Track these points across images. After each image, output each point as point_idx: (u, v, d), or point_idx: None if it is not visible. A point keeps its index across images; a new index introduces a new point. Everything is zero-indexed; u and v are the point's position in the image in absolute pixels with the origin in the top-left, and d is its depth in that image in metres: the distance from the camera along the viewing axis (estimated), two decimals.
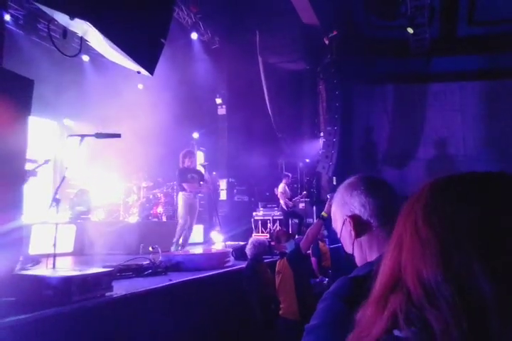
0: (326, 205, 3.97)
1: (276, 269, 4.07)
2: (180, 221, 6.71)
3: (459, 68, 10.97)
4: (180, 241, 6.57)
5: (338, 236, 1.22)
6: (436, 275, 0.54)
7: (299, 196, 9.48)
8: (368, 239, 1.15)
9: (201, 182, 6.87)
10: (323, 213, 3.92)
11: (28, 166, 5.08)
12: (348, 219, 1.16)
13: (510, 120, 10.78)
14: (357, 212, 1.15)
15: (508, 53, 10.45)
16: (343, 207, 1.19)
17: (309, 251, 6.33)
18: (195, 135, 10.82)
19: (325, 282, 4.96)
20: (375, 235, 1.14)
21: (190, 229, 6.77)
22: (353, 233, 1.15)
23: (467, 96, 11.32)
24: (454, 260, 0.54)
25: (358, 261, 1.18)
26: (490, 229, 0.54)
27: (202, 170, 7.09)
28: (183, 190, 6.73)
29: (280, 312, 3.87)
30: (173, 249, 6.29)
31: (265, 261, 4.64)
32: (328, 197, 4.83)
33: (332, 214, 1.25)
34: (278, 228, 9.19)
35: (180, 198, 6.77)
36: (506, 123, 10.79)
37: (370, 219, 1.14)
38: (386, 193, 1.20)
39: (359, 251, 1.16)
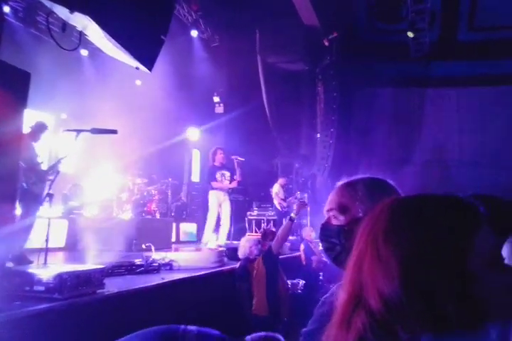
0: (296, 207, 4.20)
1: (254, 265, 4.26)
2: (210, 219, 6.73)
3: (458, 73, 11.02)
4: (214, 241, 6.58)
5: (342, 224, 1.14)
6: (398, 293, 0.56)
7: (293, 196, 9.47)
8: None
9: (234, 177, 6.87)
10: (292, 214, 4.13)
11: (44, 166, 5.09)
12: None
13: (507, 126, 10.83)
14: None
15: (506, 59, 10.50)
16: (365, 204, 1.13)
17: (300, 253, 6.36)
18: (192, 133, 10.78)
19: (300, 284, 5.00)
20: None
21: (226, 226, 6.81)
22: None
23: (464, 101, 11.37)
24: (414, 279, 0.57)
25: None
26: (446, 250, 0.57)
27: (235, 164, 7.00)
28: (213, 188, 6.75)
29: (252, 308, 4.01)
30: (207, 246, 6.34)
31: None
32: (297, 196, 4.95)
33: (340, 204, 1.17)
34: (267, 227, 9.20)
35: (210, 197, 6.81)
36: (503, 129, 10.84)
37: None
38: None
39: None
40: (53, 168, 4.92)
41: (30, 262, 4.10)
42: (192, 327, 1.96)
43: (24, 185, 4.55)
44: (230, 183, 6.89)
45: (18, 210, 4.48)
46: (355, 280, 0.63)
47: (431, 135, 11.45)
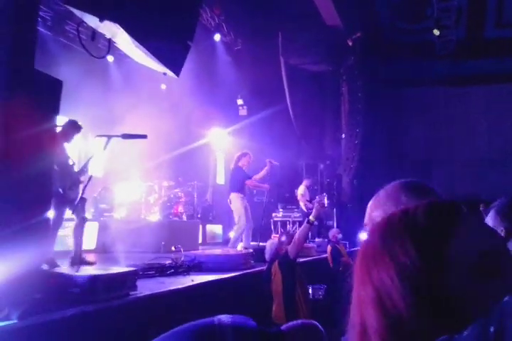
0: (314, 210, 4.03)
1: (272, 272, 4.10)
2: (239, 223, 6.69)
3: (485, 71, 10.77)
4: (241, 243, 6.64)
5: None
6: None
7: (315, 200, 9.40)
8: None
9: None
10: (310, 217, 3.97)
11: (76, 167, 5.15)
12: None
13: None
14: None
15: None
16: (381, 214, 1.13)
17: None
18: (216, 135, 10.87)
19: (322, 289, 4.87)
20: None
21: (250, 229, 6.83)
22: None
23: (492, 99, 11.11)
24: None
25: None
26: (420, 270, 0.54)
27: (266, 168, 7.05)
28: (240, 190, 6.72)
29: (272, 315, 3.86)
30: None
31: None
32: (317, 198, 4.82)
33: (369, 216, 1.17)
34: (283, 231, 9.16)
35: (236, 199, 6.72)
36: None
37: None
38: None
39: None
40: (83, 170, 5.00)
41: (57, 265, 4.20)
42: (226, 320, 1.96)
43: (60, 190, 4.64)
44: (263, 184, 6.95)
45: (52, 214, 4.59)
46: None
47: (459, 134, 11.22)
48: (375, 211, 1.16)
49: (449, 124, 11.31)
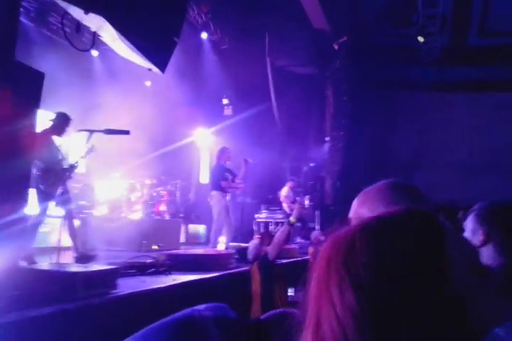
0: (295, 210, 3.98)
1: (251, 274, 4.04)
2: (216, 223, 6.56)
3: (469, 78, 10.97)
4: (222, 243, 6.49)
5: None
6: None
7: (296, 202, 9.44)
8: None
9: (236, 180, 6.76)
10: (291, 218, 3.90)
11: (74, 157, 4.99)
12: None
13: None
14: None
15: None
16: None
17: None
18: (200, 134, 10.79)
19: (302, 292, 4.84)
20: None
21: (232, 227, 6.70)
22: None
23: (476, 106, 11.31)
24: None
25: None
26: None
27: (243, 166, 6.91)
28: (221, 189, 6.57)
29: (250, 316, 3.72)
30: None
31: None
32: (297, 199, 4.76)
33: (355, 211, 1.14)
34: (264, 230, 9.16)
35: (216, 197, 6.56)
36: None
37: None
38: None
39: None
40: (74, 166, 4.88)
41: (35, 262, 4.10)
42: (205, 311, 1.93)
43: (41, 186, 4.52)
44: (239, 185, 6.86)
45: (35, 210, 4.49)
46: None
47: (442, 139, 11.39)
48: (362, 207, 1.15)
49: (432, 129, 11.48)
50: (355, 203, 1.17)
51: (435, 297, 0.47)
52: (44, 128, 5.03)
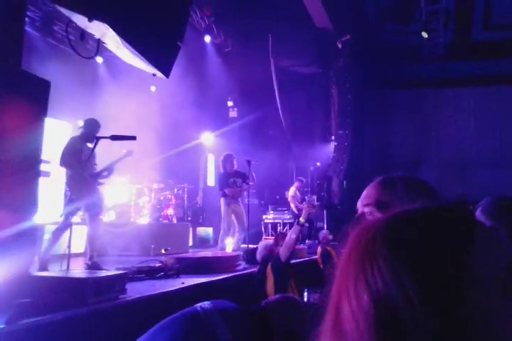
0: (304, 211, 3.91)
1: (266, 275, 4.00)
2: (223, 227, 6.66)
3: (473, 73, 10.90)
4: (231, 246, 6.54)
5: None
6: None
7: (305, 202, 9.43)
8: None
9: (248, 183, 6.82)
10: (300, 219, 3.88)
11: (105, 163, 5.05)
12: None
13: None
14: None
15: None
16: (404, 204, 1.10)
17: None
18: (207, 138, 10.82)
19: (317, 292, 4.74)
20: None
21: (242, 233, 6.72)
22: None
23: (481, 101, 11.24)
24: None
25: None
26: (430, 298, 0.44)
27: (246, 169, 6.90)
28: (225, 195, 6.69)
29: None
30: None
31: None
32: (307, 199, 4.68)
33: (378, 201, 1.13)
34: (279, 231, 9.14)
35: (223, 204, 6.71)
36: None
37: None
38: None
39: None
40: (103, 172, 4.89)
41: (47, 269, 4.15)
42: (208, 305, 1.94)
43: (69, 193, 4.57)
44: (243, 188, 6.89)
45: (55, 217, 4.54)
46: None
47: (447, 135, 11.33)
48: (383, 193, 1.15)
49: (437, 126, 11.43)
50: (373, 190, 1.17)
51: (454, 295, 0.44)
52: (73, 136, 5.08)
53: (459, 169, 10.94)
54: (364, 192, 1.21)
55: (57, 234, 4.55)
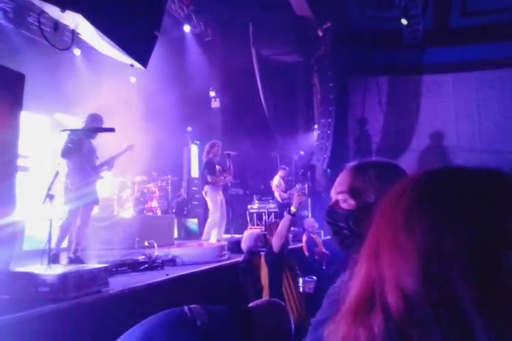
0: (295, 199, 3.74)
1: (260, 264, 3.97)
2: (212, 216, 6.60)
3: (452, 59, 10.99)
4: (215, 236, 6.50)
5: (352, 209, 1.13)
6: (417, 290, 0.46)
7: (294, 188, 9.49)
8: None
9: (225, 175, 6.84)
10: (292, 208, 3.72)
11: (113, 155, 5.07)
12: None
13: (504, 110, 10.84)
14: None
15: (500, 44, 10.48)
16: (377, 190, 1.11)
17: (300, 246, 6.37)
18: (189, 128, 10.75)
19: (312, 282, 4.61)
20: None
21: (224, 222, 6.74)
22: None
23: (460, 87, 11.36)
24: (436, 275, 0.45)
25: None
26: (480, 247, 0.44)
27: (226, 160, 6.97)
28: (210, 183, 6.64)
29: None
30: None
31: (261, 253, 4.60)
32: (297, 187, 4.59)
33: (351, 188, 1.14)
34: (273, 220, 9.19)
35: (210, 192, 6.64)
36: (500, 114, 10.85)
37: None
38: None
39: None
40: (102, 166, 4.86)
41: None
42: (194, 306, 1.97)
43: (70, 186, 4.56)
44: (225, 178, 6.90)
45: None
46: (370, 271, 0.52)
47: (428, 121, 11.45)
48: (357, 180, 1.15)
49: (418, 112, 11.53)
50: (345, 177, 1.18)
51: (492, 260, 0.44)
52: (75, 129, 5.02)
53: (440, 154, 11.09)
54: (337, 180, 1.21)
55: (65, 227, 4.57)
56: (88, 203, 4.85)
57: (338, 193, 1.17)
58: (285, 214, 3.91)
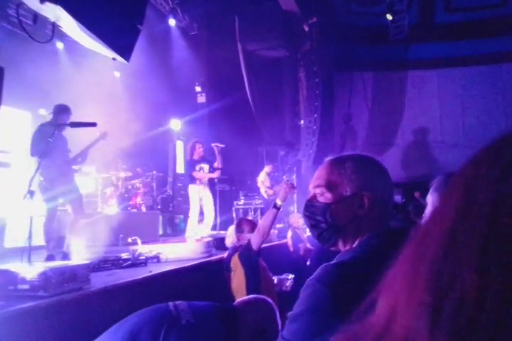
0: (282, 191, 3.44)
1: (231, 265, 3.59)
2: (192, 214, 6.69)
3: (437, 55, 11.08)
4: (200, 232, 6.53)
5: (328, 202, 1.13)
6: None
7: (280, 184, 9.48)
8: (366, 221, 1.12)
9: (214, 166, 6.81)
10: (277, 201, 3.40)
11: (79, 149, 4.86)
12: (366, 196, 1.10)
13: (487, 106, 10.97)
14: (373, 196, 1.11)
15: (485, 40, 10.58)
16: (360, 183, 1.12)
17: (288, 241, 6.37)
18: (175, 124, 10.66)
19: (289, 281, 4.31)
20: (370, 222, 1.11)
21: (210, 218, 6.74)
22: (361, 211, 1.11)
23: (444, 82, 11.46)
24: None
25: (342, 241, 1.14)
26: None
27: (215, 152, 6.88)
28: (193, 181, 6.68)
29: None
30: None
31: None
32: (285, 179, 4.42)
33: (328, 181, 1.14)
34: (259, 217, 9.17)
35: (191, 191, 6.76)
36: (483, 110, 10.98)
37: (375, 208, 1.12)
38: (391, 189, 1.18)
39: (350, 230, 1.12)
40: (77, 158, 4.75)
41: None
42: (179, 301, 1.94)
43: (44, 183, 4.45)
44: (212, 174, 6.87)
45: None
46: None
47: (413, 117, 11.55)
48: (333, 173, 1.15)
49: (402, 107, 11.61)
50: (323, 171, 1.18)
51: None
52: (42, 123, 4.90)
53: (424, 150, 11.20)
54: (315, 174, 1.21)
55: (48, 225, 4.49)
56: (73, 199, 4.76)
57: (315, 187, 1.18)
58: (270, 207, 3.52)
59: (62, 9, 4.01)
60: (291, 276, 4.39)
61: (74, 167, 4.96)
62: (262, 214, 9.14)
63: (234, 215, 9.34)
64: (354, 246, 1.11)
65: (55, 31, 5.14)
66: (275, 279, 4.07)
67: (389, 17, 9.79)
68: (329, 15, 11.04)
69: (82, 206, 4.99)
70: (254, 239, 3.39)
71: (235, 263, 3.52)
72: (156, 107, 9.81)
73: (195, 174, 6.67)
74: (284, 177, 9.24)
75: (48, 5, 3.99)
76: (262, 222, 3.45)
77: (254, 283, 3.39)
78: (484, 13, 10.49)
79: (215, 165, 6.83)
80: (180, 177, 10.35)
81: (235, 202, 9.56)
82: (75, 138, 5.19)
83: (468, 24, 10.57)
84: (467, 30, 10.59)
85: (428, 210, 1.59)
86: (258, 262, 3.50)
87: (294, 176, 9.71)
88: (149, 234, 6.73)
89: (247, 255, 3.43)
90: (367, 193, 1.11)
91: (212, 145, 6.88)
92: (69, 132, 4.88)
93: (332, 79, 11.57)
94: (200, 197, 6.72)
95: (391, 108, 11.62)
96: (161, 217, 8.18)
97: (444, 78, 11.41)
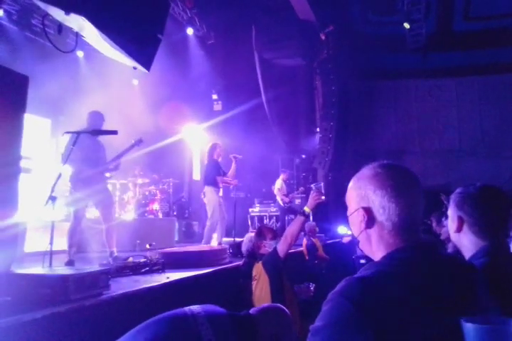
0: (310, 199, 3.36)
1: (253, 274, 3.56)
2: (212, 217, 6.38)
3: (455, 63, 11.01)
4: (215, 239, 6.42)
5: (348, 214, 1.20)
6: None
7: (296, 192, 9.47)
8: (378, 235, 1.12)
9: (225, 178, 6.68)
10: (305, 208, 3.34)
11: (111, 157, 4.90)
12: (362, 212, 1.13)
13: (506, 115, 10.84)
14: (374, 210, 1.12)
15: (503, 48, 10.49)
16: (361, 198, 1.14)
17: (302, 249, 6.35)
18: (191, 131, 10.75)
19: (311, 288, 4.31)
20: (385, 236, 1.12)
21: (223, 225, 6.59)
22: (362, 225, 1.14)
23: (463, 91, 11.37)
24: None
25: (367, 252, 1.18)
26: None
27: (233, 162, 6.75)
28: (215, 184, 6.45)
29: None
30: None
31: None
32: (313, 187, 4.40)
33: (347, 196, 1.20)
34: (275, 224, 9.16)
35: (210, 194, 6.41)
36: (501, 119, 10.85)
37: (385, 222, 1.11)
38: (410, 199, 1.12)
39: (367, 242, 1.16)
40: (108, 166, 4.79)
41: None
42: (197, 309, 1.95)
43: (72, 190, 4.51)
44: (232, 181, 6.83)
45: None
46: None
47: (429, 126, 11.46)
48: (355, 189, 1.18)
49: (420, 116, 11.54)
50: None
51: None
52: (75, 131, 4.97)
53: (442, 159, 11.09)
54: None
55: (72, 232, 4.53)
56: (104, 207, 4.80)
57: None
58: (298, 215, 3.46)
59: (86, 20, 4.11)
60: (312, 285, 4.36)
61: (106, 174, 4.98)
62: (277, 221, 9.14)
63: (249, 222, 9.35)
64: (381, 258, 1.12)
65: (77, 41, 5.26)
66: (295, 288, 4.05)
67: (406, 26, 9.78)
68: (346, 24, 11.08)
69: (113, 214, 5.00)
70: (281, 247, 3.37)
71: (259, 271, 3.47)
72: (173, 115, 9.92)
73: (219, 179, 6.53)
74: (313, 185, 9.23)
75: (73, 16, 4.10)
76: (290, 230, 3.41)
77: (278, 291, 3.36)
78: (502, 22, 10.40)
79: (229, 173, 6.78)
80: (196, 184, 10.41)
81: (250, 210, 9.58)
82: (108, 145, 5.25)
83: (486, 33, 10.49)
84: (485, 39, 10.51)
85: (449, 224, 1.60)
86: (282, 269, 3.46)
87: (322, 184, 9.66)
88: (165, 240, 6.77)
89: (273, 263, 3.40)
90: (364, 208, 1.13)
91: (231, 156, 6.74)
92: (105, 139, 4.94)
93: (348, 87, 11.56)
94: (219, 201, 6.57)
95: (409, 116, 11.56)
96: (177, 224, 8.23)
97: (462, 86, 11.32)
